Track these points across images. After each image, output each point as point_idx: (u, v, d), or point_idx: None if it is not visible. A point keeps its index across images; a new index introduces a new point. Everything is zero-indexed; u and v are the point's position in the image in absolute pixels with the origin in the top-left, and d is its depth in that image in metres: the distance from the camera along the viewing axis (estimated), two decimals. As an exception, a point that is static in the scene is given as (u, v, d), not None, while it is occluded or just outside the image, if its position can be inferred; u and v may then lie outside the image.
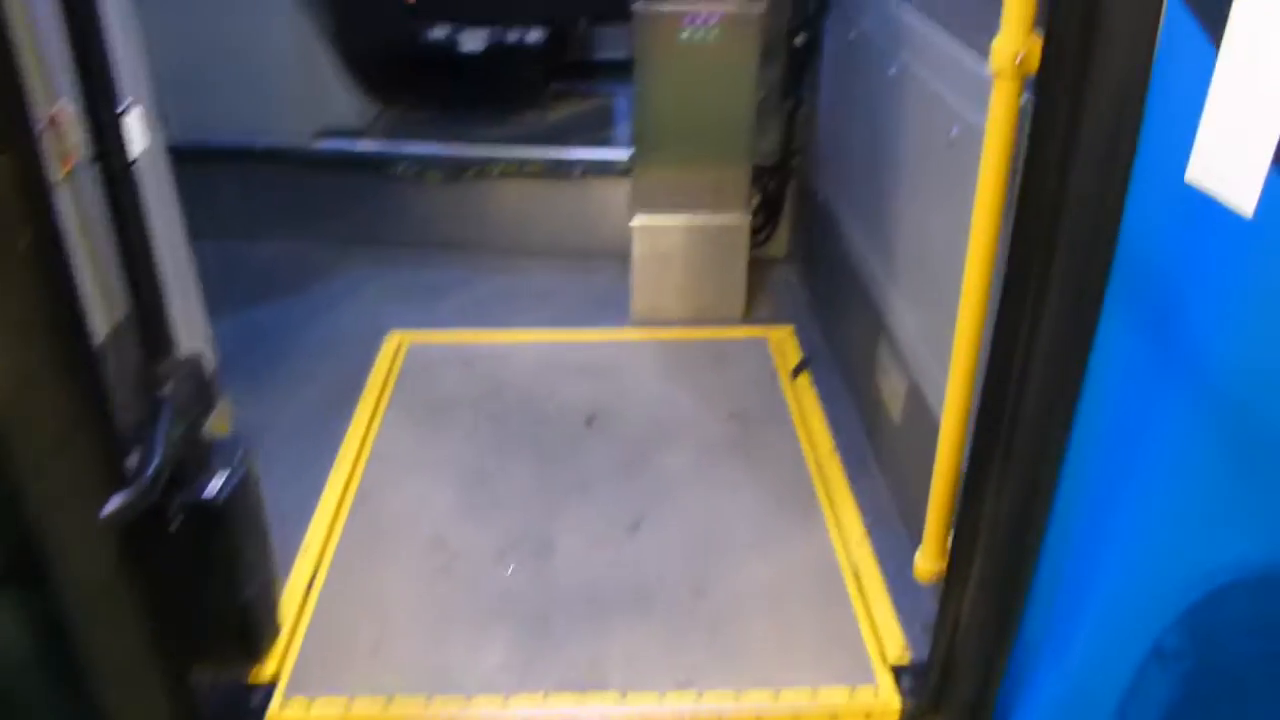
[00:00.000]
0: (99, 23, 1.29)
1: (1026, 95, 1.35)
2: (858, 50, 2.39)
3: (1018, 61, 1.30)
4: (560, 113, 3.50)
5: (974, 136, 1.60)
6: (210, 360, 1.76)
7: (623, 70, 3.80)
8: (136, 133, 1.43)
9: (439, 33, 3.15)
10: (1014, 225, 1.28)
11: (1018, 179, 1.38)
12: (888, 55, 2.11)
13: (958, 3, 1.75)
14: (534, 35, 3.17)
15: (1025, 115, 1.36)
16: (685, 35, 2.53)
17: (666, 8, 2.49)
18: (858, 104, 2.42)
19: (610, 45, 3.90)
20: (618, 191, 3.13)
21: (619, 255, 3.09)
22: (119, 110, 1.35)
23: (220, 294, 3.02)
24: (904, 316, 2.09)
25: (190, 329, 1.70)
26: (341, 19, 3.15)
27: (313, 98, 3.15)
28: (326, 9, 3.14)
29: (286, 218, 3.26)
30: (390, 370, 2.64)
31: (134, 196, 1.39)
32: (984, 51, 1.60)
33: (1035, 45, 1.30)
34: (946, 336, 1.65)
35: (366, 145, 3.22)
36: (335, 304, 2.97)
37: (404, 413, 2.48)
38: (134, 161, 1.39)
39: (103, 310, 1.43)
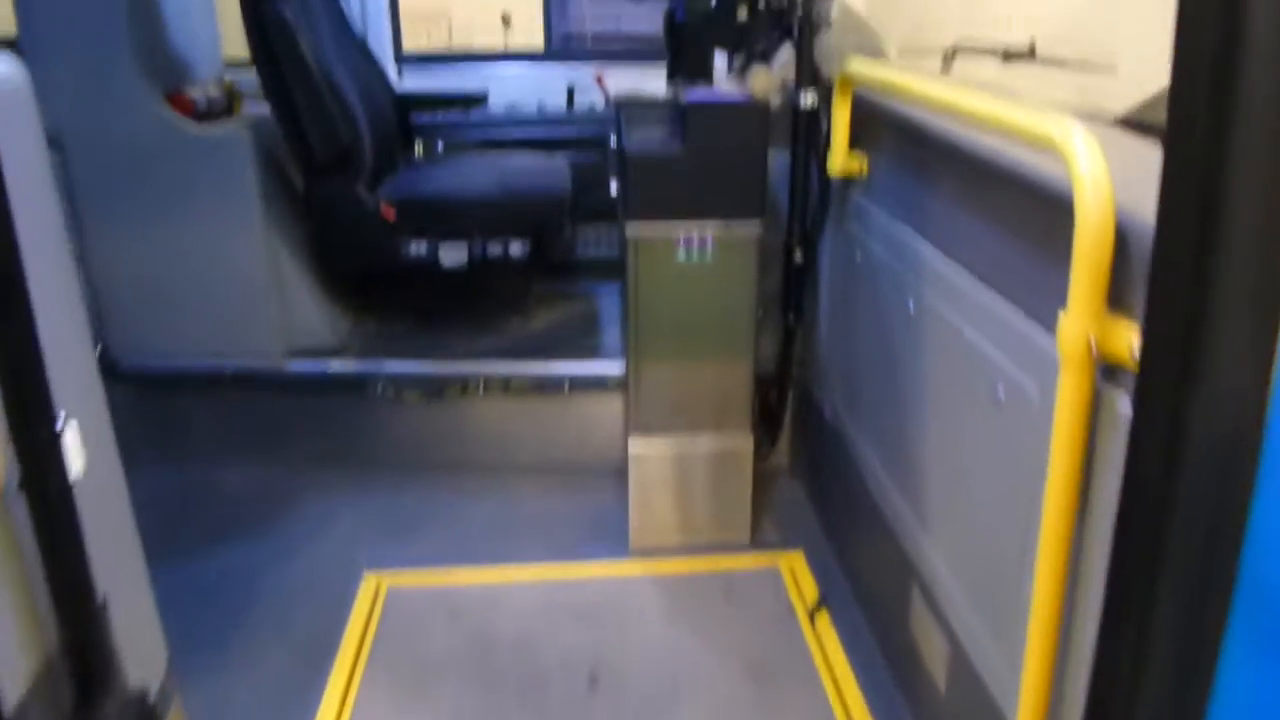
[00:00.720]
0: (31, 329, 1.11)
1: (1099, 380, 1.19)
2: (864, 274, 2.27)
3: (1091, 347, 1.15)
4: (543, 319, 3.37)
5: (1025, 403, 1.44)
6: (164, 684, 1.51)
7: (606, 268, 3.75)
8: (75, 452, 1.24)
9: (418, 248, 3.04)
10: (1113, 547, 1.09)
11: (1091, 472, 1.21)
12: (904, 289, 1.98)
13: (993, 253, 1.62)
14: (517, 247, 3.07)
15: (1100, 403, 1.20)
16: (681, 257, 2.41)
17: (661, 231, 2.38)
18: (868, 329, 2.29)
19: (593, 244, 3.83)
20: (608, 406, 2.97)
21: (612, 471, 2.90)
22: (55, 429, 1.16)
23: (184, 530, 2.79)
24: (940, 570, 1.88)
25: (142, 657, 1.46)
26: (318, 236, 3.04)
27: (285, 317, 3.00)
28: (302, 226, 3.04)
29: (257, 442, 3.06)
30: (367, 627, 2.38)
31: (71, 522, 1.19)
32: (1028, 309, 1.47)
33: (1111, 327, 1.15)
34: (996, 606, 1.45)
35: (341, 365, 3.05)
36: (307, 539, 2.73)
37: (383, 683, 2.20)
38: (73, 484, 1.19)
39: (27, 650, 1.20)
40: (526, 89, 3.83)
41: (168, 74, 2.98)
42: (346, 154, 2.92)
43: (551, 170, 3.27)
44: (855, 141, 2.32)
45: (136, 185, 2.80)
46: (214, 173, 2.82)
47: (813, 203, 2.52)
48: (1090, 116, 1.57)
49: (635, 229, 2.38)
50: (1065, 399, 1.18)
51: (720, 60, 2.63)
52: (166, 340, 2.94)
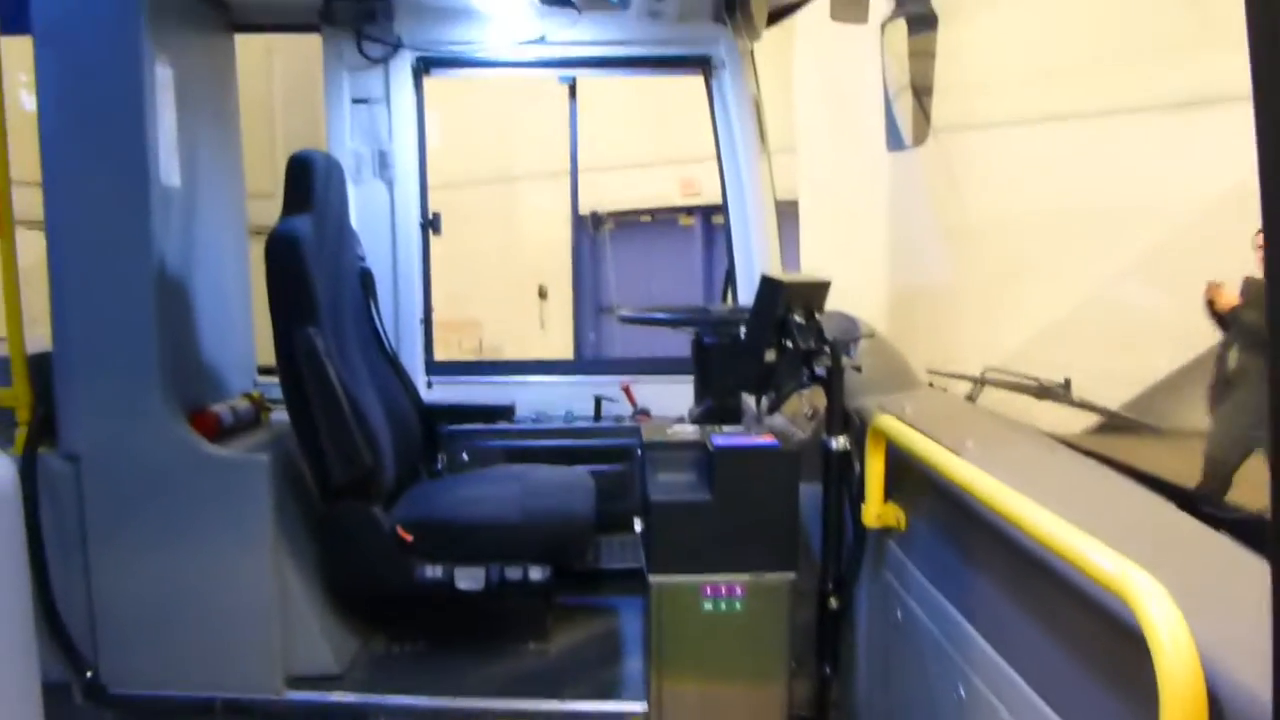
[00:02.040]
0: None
1: None
2: (907, 635, 2.10)
3: None
4: (562, 642, 3.17)
5: None
6: None
7: (630, 579, 3.58)
8: None
9: (434, 571, 2.92)
10: None
11: None
12: (952, 671, 1.81)
13: (1054, 668, 1.46)
14: (536, 572, 2.94)
15: None
16: (708, 606, 2.27)
17: (687, 578, 2.26)
18: (914, 699, 2.09)
19: (616, 554, 3.70)
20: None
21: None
22: None
23: None
24: None
25: None
26: (330, 558, 2.93)
27: (287, 641, 2.84)
28: (314, 547, 2.94)
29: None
30: None
31: None
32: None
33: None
34: None
35: (343, 696, 2.84)
36: None
37: None
38: None
39: None
40: (554, 399, 3.85)
41: (195, 391, 3.01)
42: (366, 478, 2.87)
43: (576, 487, 3.20)
44: (891, 490, 2.23)
45: (147, 505, 2.74)
46: (228, 495, 2.77)
47: (848, 547, 2.40)
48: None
49: (660, 578, 2.26)
50: None
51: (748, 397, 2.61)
52: (160, 667, 2.77)
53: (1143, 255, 5.22)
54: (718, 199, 3.92)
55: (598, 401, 3.80)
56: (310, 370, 2.77)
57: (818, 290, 2.55)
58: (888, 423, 2.09)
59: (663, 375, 3.88)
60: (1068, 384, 2.76)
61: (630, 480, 3.65)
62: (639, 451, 2.84)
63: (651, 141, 9.13)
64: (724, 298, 4.09)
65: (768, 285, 2.37)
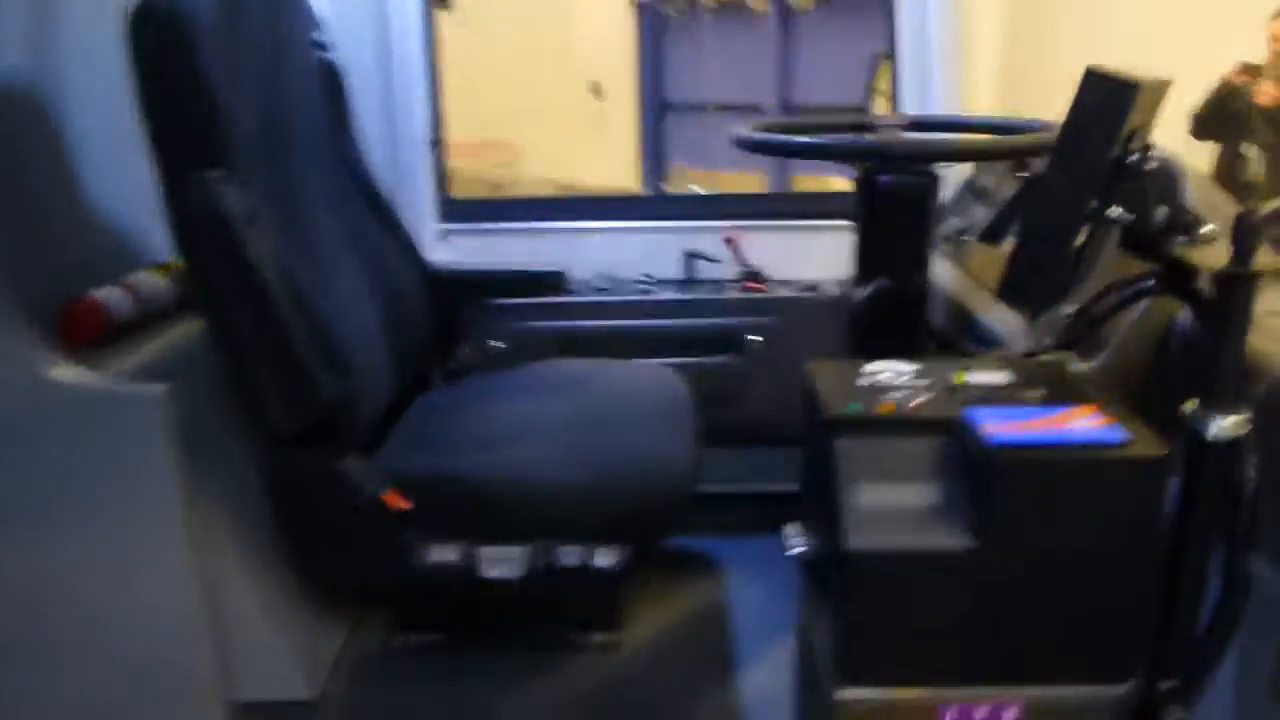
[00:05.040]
0: None
1: None
2: None
3: None
4: (640, 636, 2.14)
5: None
6: None
7: (739, 512, 2.52)
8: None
9: (444, 554, 1.86)
10: None
11: None
12: None
13: None
14: (605, 556, 1.86)
15: None
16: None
17: (914, 694, 1.15)
18: None
19: (723, 474, 2.61)
20: None
21: None
22: None
23: None
24: None
25: None
26: (284, 535, 1.88)
27: (226, 659, 1.83)
28: (257, 516, 1.88)
29: None
30: None
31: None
32: None
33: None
34: None
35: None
36: None
37: None
38: None
39: None
40: (623, 253, 2.66)
41: (63, 268, 1.88)
42: (330, 417, 1.76)
43: (665, 410, 2.08)
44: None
45: None
46: (111, 448, 1.69)
47: (1202, 628, 1.24)
48: None
49: (861, 694, 1.15)
50: None
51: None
52: (34, 712, 1.80)
53: None
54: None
55: (689, 260, 2.59)
56: (217, 248, 1.62)
57: (1155, 100, 1.29)
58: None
59: (782, 220, 2.65)
60: None
61: (741, 380, 2.51)
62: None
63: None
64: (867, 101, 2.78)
65: (1104, 88, 1.12)
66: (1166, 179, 1.25)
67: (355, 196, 2.18)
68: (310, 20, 2.12)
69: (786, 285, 2.58)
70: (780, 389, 2.54)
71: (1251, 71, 4.63)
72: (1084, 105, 1.14)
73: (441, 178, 2.70)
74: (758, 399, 2.52)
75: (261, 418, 1.74)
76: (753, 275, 2.57)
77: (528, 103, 7.11)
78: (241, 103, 1.69)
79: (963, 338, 2.02)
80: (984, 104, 2.59)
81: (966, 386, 1.25)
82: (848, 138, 1.88)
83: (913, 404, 1.21)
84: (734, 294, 2.54)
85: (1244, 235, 1.06)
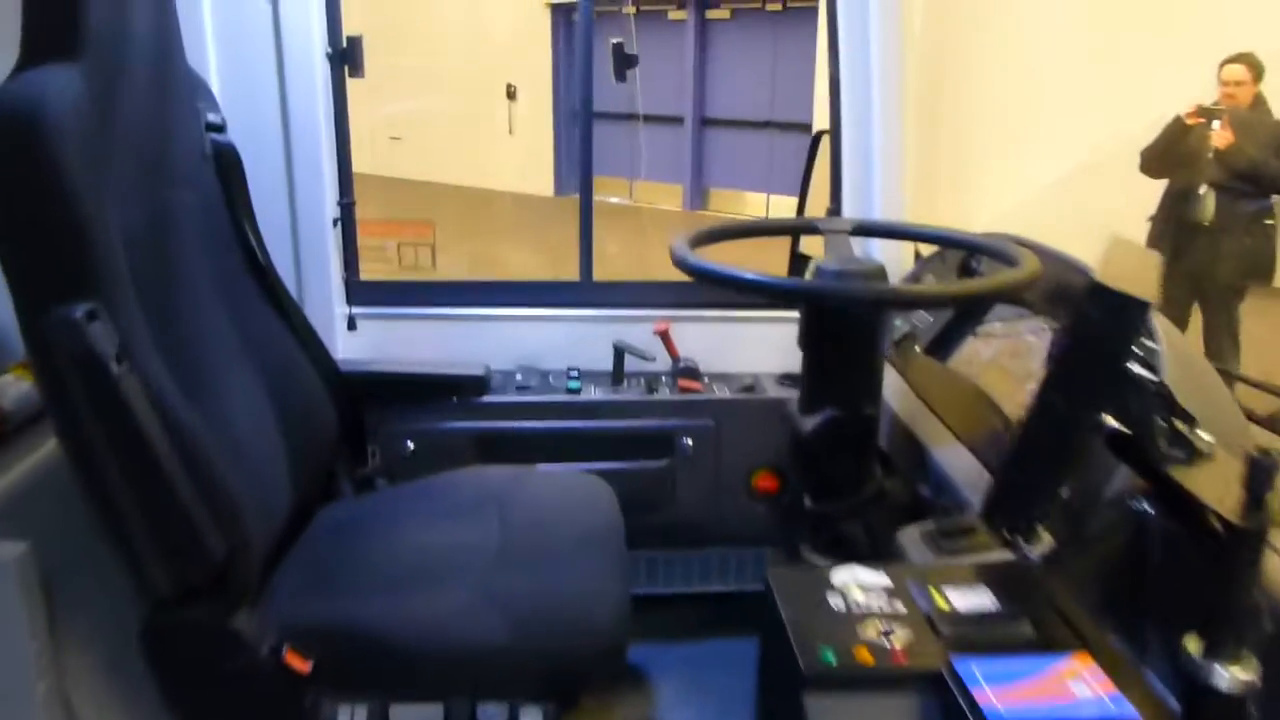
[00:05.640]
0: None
1: None
2: None
3: None
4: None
5: None
6: None
7: (667, 618, 2.38)
8: None
9: (358, 716, 1.66)
10: None
11: None
12: None
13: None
14: (527, 715, 1.68)
15: None
16: None
17: None
18: None
19: (644, 578, 2.47)
20: None
21: None
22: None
23: None
24: None
25: None
26: (165, 699, 1.65)
27: None
28: (131, 681, 1.64)
29: None
30: None
31: None
32: None
33: None
34: None
35: None
36: None
37: None
38: None
39: None
40: (550, 344, 2.48)
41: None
42: (219, 573, 1.55)
43: (593, 538, 1.91)
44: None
45: None
46: None
47: None
48: None
49: None
50: None
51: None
52: None
53: None
54: None
55: (619, 354, 2.43)
56: (85, 395, 1.39)
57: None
58: None
59: (719, 310, 2.51)
60: None
61: (671, 484, 2.37)
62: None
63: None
64: (799, 210, 2.66)
65: (1112, 304, 1.00)
66: (1162, 388, 1.14)
67: (252, 292, 1.95)
68: (204, 98, 1.89)
69: (723, 380, 2.44)
70: (714, 492, 2.41)
71: (1206, 114, 4.69)
72: (1090, 321, 1.02)
73: (350, 259, 2.47)
74: (691, 503, 2.38)
75: (138, 576, 1.51)
76: (687, 372, 2.42)
77: (438, 106, 6.88)
78: (116, 213, 1.46)
79: (916, 472, 1.91)
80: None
81: (946, 616, 1.12)
82: (815, 283, 1.71)
83: (892, 644, 1.07)
84: (667, 394, 2.38)
85: (1260, 482, 0.95)
